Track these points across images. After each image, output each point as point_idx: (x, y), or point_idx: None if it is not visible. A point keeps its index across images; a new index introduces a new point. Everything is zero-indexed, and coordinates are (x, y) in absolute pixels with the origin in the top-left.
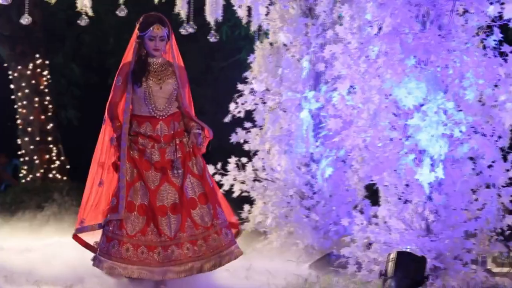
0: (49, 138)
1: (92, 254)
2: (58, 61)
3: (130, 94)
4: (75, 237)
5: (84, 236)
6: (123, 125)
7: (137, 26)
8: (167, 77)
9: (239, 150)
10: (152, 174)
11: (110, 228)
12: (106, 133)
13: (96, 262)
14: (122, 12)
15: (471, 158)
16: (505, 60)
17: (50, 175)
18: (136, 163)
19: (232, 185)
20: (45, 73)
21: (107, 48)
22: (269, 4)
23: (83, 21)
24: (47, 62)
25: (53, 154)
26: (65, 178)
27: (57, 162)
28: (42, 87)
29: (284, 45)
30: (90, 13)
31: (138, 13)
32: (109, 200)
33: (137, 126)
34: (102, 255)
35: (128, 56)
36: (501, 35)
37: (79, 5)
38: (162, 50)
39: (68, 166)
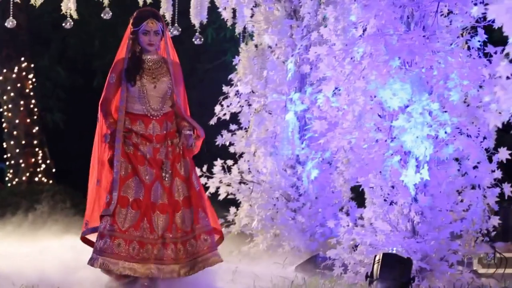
0: (35, 141)
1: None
2: (43, 64)
3: (125, 92)
4: (83, 239)
5: (92, 237)
6: (117, 122)
7: (131, 21)
8: (161, 75)
9: (224, 152)
10: (146, 169)
11: (103, 225)
12: (101, 130)
13: (90, 261)
14: (107, 15)
15: (456, 159)
16: (490, 61)
17: (36, 179)
18: (131, 158)
19: (218, 188)
20: (30, 76)
21: (93, 50)
22: (254, 6)
23: (67, 24)
24: (32, 65)
25: (39, 157)
26: (51, 181)
27: (43, 166)
28: (27, 90)
29: (269, 47)
30: (75, 16)
31: (123, 16)
32: (104, 198)
33: (129, 123)
34: (95, 253)
35: (122, 53)
36: (486, 36)
37: (63, 8)
38: (157, 45)
39: (54, 169)
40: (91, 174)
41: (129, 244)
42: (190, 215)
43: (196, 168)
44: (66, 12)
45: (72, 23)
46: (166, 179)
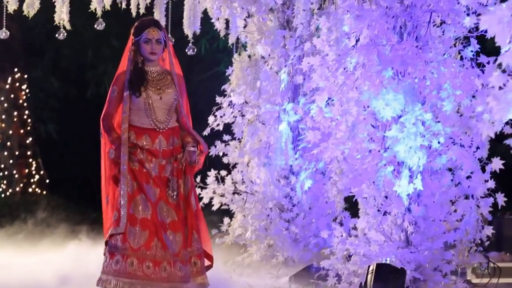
0: (28, 152)
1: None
2: (36, 74)
3: (128, 104)
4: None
5: None
6: (121, 136)
7: (132, 31)
8: (166, 87)
9: (218, 163)
10: (151, 187)
11: (113, 243)
12: (106, 146)
13: (99, 283)
14: (100, 26)
15: (449, 169)
16: (482, 71)
17: (30, 189)
18: (136, 175)
19: (211, 198)
20: (23, 87)
21: (86, 61)
22: (247, 17)
23: (61, 35)
24: (25, 76)
25: (33, 168)
26: (44, 192)
27: (37, 176)
28: (21, 101)
29: (262, 57)
30: (68, 26)
31: (116, 26)
32: (111, 216)
33: (135, 138)
34: (106, 274)
35: (123, 65)
36: (478, 46)
37: (56, 19)
38: (160, 55)
39: (47, 180)
40: (102, 192)
41: (143, 263)
42: (184, 236)
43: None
44: (59, 23)
45: (65, 33)
46: (174, 196)
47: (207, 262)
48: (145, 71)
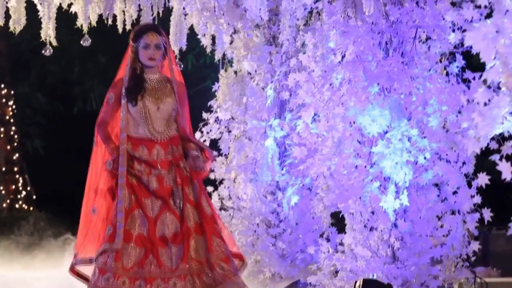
0: (15, 168)
1: None
2: (23, 90)
3: (125, 113)
4: (72, 271)
5: (84, 268)
6: (119, 146)
7: (131, 37)
8: (165, 96)
9: (205, 179)
10: (151, 202)
11: (103, 260)
12: (98, 155)
13: None
14: (86, 42)
15: (436, 185)
16: (468, 87)
17: (17, 205)
18: (134, 189)
19: None
20: (10, 103)
21: (72, 77)
22: (233, 33)
23: (47, 51)
24: (12, 92)
25: (19, 184)
26: (31, 208)
27: (24, 192)
28: (7, 117)
29: (249, 73)
30: (54, 43)
31: (102, 43)
32: (103, 229)
33: (131, 149)
34: None
35: (122, 72)
36: (464, 62)
37: (43, 35)
38: (159, 61)
39: (34, 196)
40: (84, 201)
41: (134, 282)
42: (204, 243)
43: None
44: (45, 39)
45: (52, 50)
46: (179, 206)
47: (238, 262)
48: (143, 78)
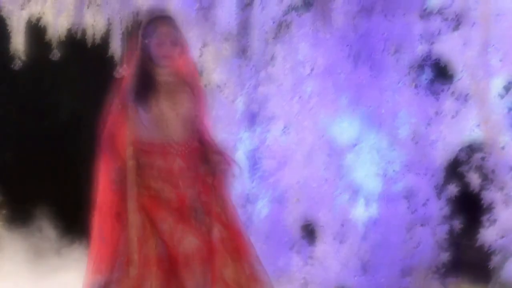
0: None
1: None
2: None
3: (133, 121)
4: None
5: None
6: (128, 162)
7: (140, 31)
8: (183, 100)
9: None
10: (169, 224)
11: None
12: (104, 172)
13: None
14: (55, 56)
15: (405, 197)
16: (437, 99)
17: None
18: (149, 212)
19: None
20: None
21: (43, 90)
22: (202, 46)
23: (16, 65)
24: None
25: None
26: (1, 223)
27: None
28: None
29: (218, 86)
30: (23, 57)
31: (72, 55)
32: (110, 254)
33: (145, 162)
34: None
35: (128, 73)
36: (432, 74)
37: (11, 49)
38: (175, 59)
39: (4, 211)
40: (94, 225)
41: None
42: (243, 269)
43: None
44: (14, 54)
45: (21, 64)
46: (202, 226)
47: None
48: (156, 80)
